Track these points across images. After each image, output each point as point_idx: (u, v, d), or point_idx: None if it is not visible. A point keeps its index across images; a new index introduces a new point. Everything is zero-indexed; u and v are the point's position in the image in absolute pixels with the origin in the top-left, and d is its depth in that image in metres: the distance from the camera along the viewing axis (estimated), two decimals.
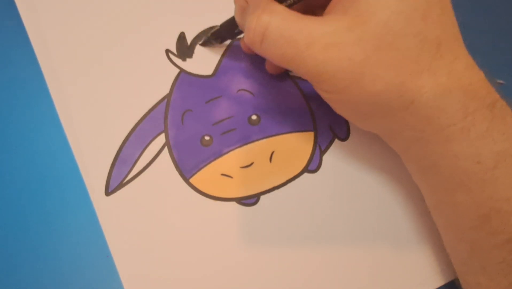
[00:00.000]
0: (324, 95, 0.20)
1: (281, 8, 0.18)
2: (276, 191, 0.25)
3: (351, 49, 0.17)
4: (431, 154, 0.19)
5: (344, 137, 0.26)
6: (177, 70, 0.26)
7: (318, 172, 0.25)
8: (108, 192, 0.24)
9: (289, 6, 0.19)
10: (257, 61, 0.27)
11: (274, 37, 0.18)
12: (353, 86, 0.18)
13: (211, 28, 0.27)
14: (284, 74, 0.27)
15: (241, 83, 0.26)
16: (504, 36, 0.30)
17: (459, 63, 0.18)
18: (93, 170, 0.24)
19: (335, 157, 0.26)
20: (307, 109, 0.26)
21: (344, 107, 0.21)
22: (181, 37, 0.27)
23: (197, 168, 0.25)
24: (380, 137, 0.22)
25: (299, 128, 0.26)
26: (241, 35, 0.25)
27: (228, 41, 0.27)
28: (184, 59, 0.27)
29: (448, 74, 0.18)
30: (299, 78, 0.27)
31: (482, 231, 0.19)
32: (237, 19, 0.22)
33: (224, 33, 0.25)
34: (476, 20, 0.29)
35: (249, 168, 0.25)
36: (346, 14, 0.17)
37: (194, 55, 0.27)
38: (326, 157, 0.26)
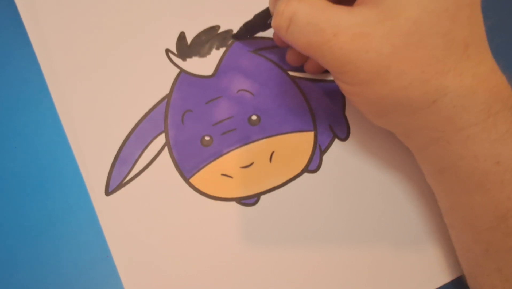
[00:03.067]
0: (345, 88, 0.20)
1: None
2: (276, 191, 0.25)
3: (379, 42, 0.17)
4: (450, 154, 0.19)
5: (344, 138, 0.26)
6: (177, 70, 0.26)
7: (318, 172, 0.25)
8: (108, 192, 0.24)
9: None
10: (257, 62, 0.27)
11: (301, 24, 0.18)
12: (377, 79, 0.18)
13: (212, 28, 0.27)
14: (284, 74, 0.27)
15: (241, 84, 0.26)
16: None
17: (484, 66, 0.18)
18: (93, 170, 0.24)
19: (335, 157, 0.26)
20: (307, 109, 0.26)
21: (364, 101, 0.20)
22: (181, 37, 0.27)
23: (197, 168, 0.25)
24: (382, 137, 0.22)
25: (299, 128, 0.26)
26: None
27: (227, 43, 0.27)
28: (184, 59, 0.27)
29: (473, 75, 0.18)
30: (299, 78, 0.27)
31: (499, 232, 0.19)
32: (271, 7, 0.22)
33: (257, 24, 0.25)
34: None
35: (249, 168, 0.25)
36: (376, 7, 0.17)
37: (193, 56, 0.27)
38: (326, 157, 0.26)
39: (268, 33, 0.26)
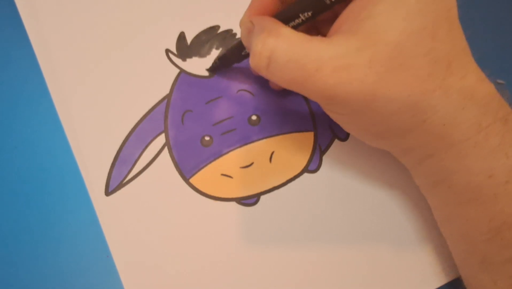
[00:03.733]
0: (335, 117, 0.20)
1: (287, 30, 0.18)
2: (276, 191, 0.25)
3: (362, 71, 0.17)
4: (443, 169, 0.19)
5: (344, 138, 0.26)
6: (177, 71, 0.26)
7: (318, 172, 0.25)
8: (108, 192, 0.24)
9: (296, 27, 0.19)
10: None
11: (282, 61, 0.17)
12: (365, 108, 0.18)
13: (212, 28, 0.27)
14: None
15: (241, 84, 0.26)
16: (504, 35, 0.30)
17: (470, 78, 0.18)
18: (93, 170, 0.24)
19: (335, 157, 0.26)
20: (307, 109, 0.26)
21: (355, 128, 0.20)
22: (181, 37, 0.27)
23: (197, 168, 0.25)
24: None
25: (299, 128, 0.26)
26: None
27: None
28: (184, 59, 0.27)
29: (460, 90, 0.18)
30: None
31: (494, 244, 0.19)
32: (244, 42, 0.21)
33: (231, 57, 0.24)
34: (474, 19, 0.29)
35: (249, 168, 0.25)
36: (354, 35, 0.17)
37: (193, 56, 0.27)
38: (326, 157, 0.26)
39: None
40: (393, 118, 0.18)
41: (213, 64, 0.26)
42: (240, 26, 0.21)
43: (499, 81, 0.28)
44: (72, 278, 0.23)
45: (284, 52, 0.17)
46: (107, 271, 0.23)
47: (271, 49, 0.18)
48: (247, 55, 0.23)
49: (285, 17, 0.19)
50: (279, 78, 0.18)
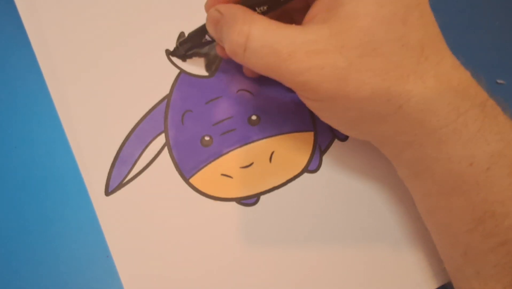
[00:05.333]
0: (310, 104, 0.20)
1: (260, 17, 0.18)
2: (276, 191, 0.25)
3: (333, 56, 0.17)
4: (424, 157, 0.19)
5: (344, 138, 0.26)
6: (177, 71, 0.26)
7: (318, 172, 0.25)
8: (108, 192, 0.24)
9: (264, 14, 0.19)
10: None
11: (256, 47, 0.18)
12: (338, 93, 0.18)
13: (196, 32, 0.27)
14: None
15: (241, 84, 0.26)
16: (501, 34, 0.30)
17: (445, 64, 0.18)
18: (93, 170, 0.24)
19: (335, 157, 0.26)
20: (307, 109, 0.26)
21: (330, 115, 0.21)
22: (181, 37, 0.27)
23: (197, 168, 0.25)
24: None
25: (299, 128, 0.26)
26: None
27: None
28: (184, 60, 0.27)
29: (435, 76, 0.18)
30: None
31: (477, 234, 0.19)
32: (210, 30, 0.22)
33: (193, 42, 0.25)
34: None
35: (249, 168, 0.25)
36: (327, 22, 0.17)
37: (193, 56, 0.27)
38: (326, 157, 0.26)
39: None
40: (367, 103, 0.18)
41: (174, 49, 0.26)
42: (207, 14, 0.21)
43: (499, 81, 0.28)
44: (72, 278, 0.23)
45: (259, 37, 0.18)
46: (107, 271, 0.23)
47: (246, 36, 0.18)
48: (207, 42, 0.24)
49: (250, 3, 0.19)
50: (255, 64, 0.19)
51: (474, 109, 0.18)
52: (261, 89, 0.26)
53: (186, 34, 0.27)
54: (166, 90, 0.26)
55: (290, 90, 0.27)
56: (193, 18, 0.27)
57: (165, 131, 0.25)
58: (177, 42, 0.26)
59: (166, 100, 0.26)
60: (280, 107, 0.26)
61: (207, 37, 0.23)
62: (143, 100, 0.26)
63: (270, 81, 0.27)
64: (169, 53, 0.27)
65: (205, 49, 0.27)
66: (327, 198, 0.25)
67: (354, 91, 0.18)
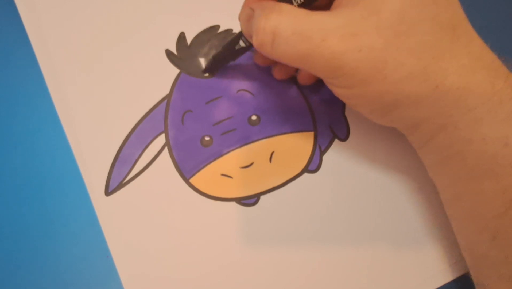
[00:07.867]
0: (342, 92, 0.20)
1: (288, 6, 0.18)
2: (276, 191, 0.25)
3: (369, 37, 0.17)
4: (457, 140, 0.19)
5: (344, 138, 0.26)
6: (177, 71, 0.26)
7: (318, 172, 0.25)
8: (108, 192, 0.24)
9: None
10: None
11: (286, 35, 0.17)
12: (375, 76, 0.17)
13: (212, 28, 0.27)
14: None
15: (241, 84, 0.26)
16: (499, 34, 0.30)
17: (475, 44, 0.18)
18: (93, 170, 0.24)
19: (335, 157, 0.26)
20: (307, 109, 0.26)
21: (364, 102, 0.20)
22: (181, 37, 0.27)
23: (197, 168, 0.25)
24: (382, 137, 0.22)
25: (299, 128, 0.26)
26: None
27: None
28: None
29: (468, 55, 0.18)
30: None
31: (507, 218, 0.18)
32: (244, 30, 0.21)
33: (226, 54, 0.24)
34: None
35: (249, 168, 0.25)
36: (357, 5, 0.17)
37: (192, 57, 0.27)
38: (326, 157, 0.26)
39: None
40: (404, 85, 0.18)
41: (208, 63, 0.26)
42: (240, 13, 0.21)
43: None
44: (72, 278, 0.23)
45: (288, 25, 0.17)
46: (107, 271, 0.23)
47: (275, 24, 0.18)
48: (241, 51, 0.23)
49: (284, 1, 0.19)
50: (285, 53, 0.18)
51: (508, 89, 0.18)
52: (261, 89, 0.26)
53: (186, 35, 0.27)
54: (166, 90, 0.26)
55: (290, 90, 0.27)
56: (194, 18, 0.27)
57: (165, 131, 0.25)
58: (210, 58, 0.26)
59: (166, 100, 0.26)
60: (280, 107, 0.26)
61: (241, 43, 0.22)
62: (143, 100, 0.26)
63: (270, 81, 0.27)
64: (203, 70, 0.26)
65: (205, 49, 0.27)
66: (327, 198, 0.25)
67: (392, 72, 0.17)
